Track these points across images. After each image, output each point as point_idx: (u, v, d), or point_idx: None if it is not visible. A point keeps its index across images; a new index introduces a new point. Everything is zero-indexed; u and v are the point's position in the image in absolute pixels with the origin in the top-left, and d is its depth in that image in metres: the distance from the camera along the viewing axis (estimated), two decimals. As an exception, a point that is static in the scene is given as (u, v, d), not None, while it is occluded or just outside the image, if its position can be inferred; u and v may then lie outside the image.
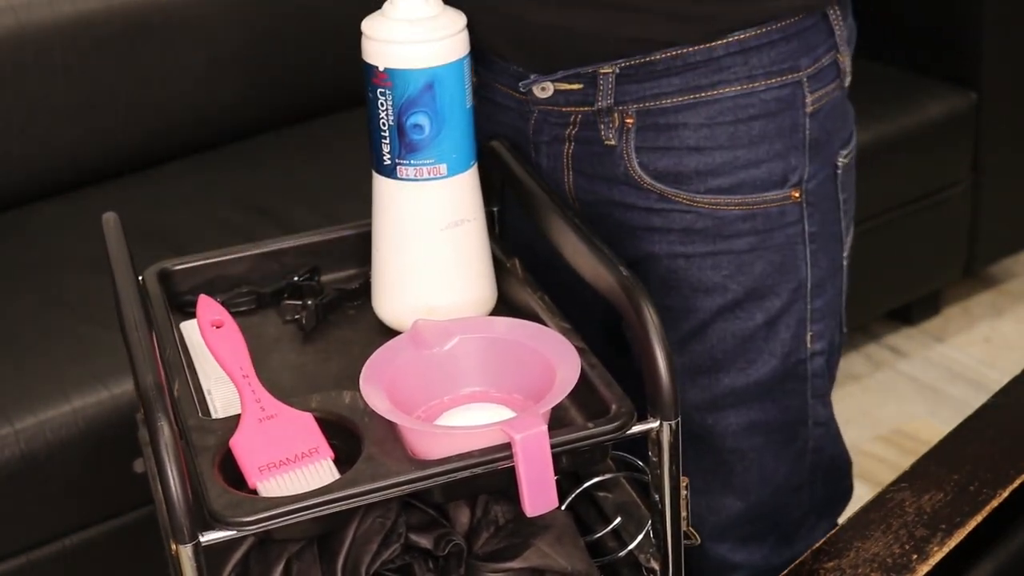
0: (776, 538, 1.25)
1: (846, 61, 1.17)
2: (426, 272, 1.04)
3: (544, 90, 1.12)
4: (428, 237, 1.04)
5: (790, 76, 1.10)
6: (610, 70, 1.08)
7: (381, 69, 0.99)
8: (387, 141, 1.00)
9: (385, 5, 1.00)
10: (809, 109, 1.11)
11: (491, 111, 1.17)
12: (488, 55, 1.14)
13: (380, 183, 1.04)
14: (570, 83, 1.11)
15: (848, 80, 1.18)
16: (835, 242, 1.20)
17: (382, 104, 0.99)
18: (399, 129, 1.00)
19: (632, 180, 1.11)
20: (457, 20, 1.00)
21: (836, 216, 1.19)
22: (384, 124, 1.00)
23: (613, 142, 1.11)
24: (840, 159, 1.17)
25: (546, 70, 1.11)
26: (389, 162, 1.01)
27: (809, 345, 1.18)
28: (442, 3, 1.01)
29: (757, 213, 1.11)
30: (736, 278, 1.12)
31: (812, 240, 1.15)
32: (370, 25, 1.00)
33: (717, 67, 1.08)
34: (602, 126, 1.11)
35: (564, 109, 1.12)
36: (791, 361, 1.17)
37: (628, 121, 1.10)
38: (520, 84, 1.13)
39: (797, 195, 1.12)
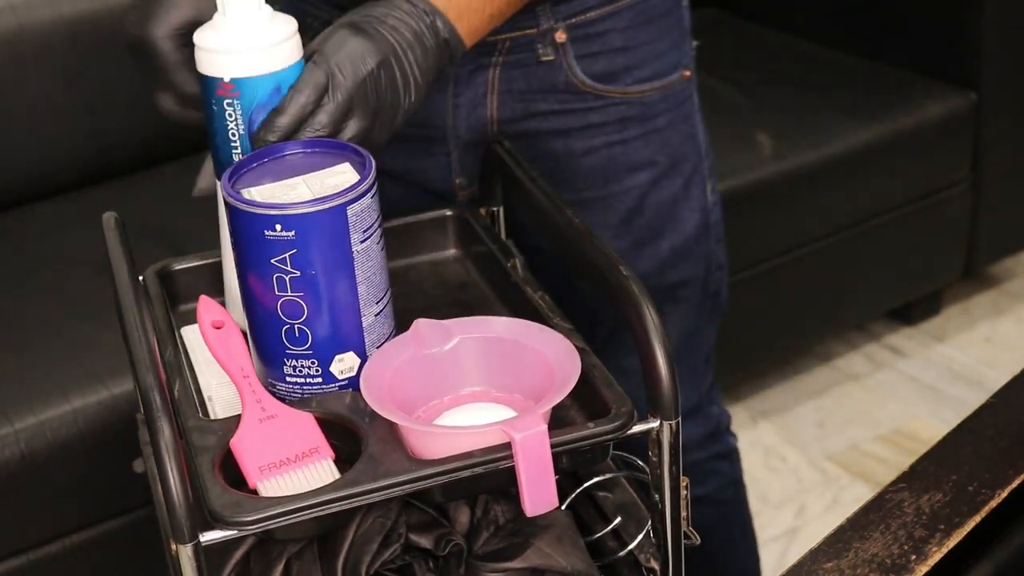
0: (691, 375, 1.42)
1: None
2: None
3: None
4: None
5: None
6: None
7: (227, 80, 0.98)
8: (239, 151, 1.00)
9: (215, 16, 1.00)
10: (685, 3, 1.32)
11: None
12: None
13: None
14: None
15: None
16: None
17: (230, 115, 0.99)
18: (251, 136, 0.99)
19: (572, 87, 1.25)
20: (290, 21, 1.01)
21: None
22: (234, 134, 1.00)
23: (551, 57, 1.23)
24: (693, 41, 1.37)
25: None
26: None
27: (710, 195, 1.37)
28: (270, 7, 1.01)
29: (669, 94, 1.29)
30: (662, 151, 1.30)
31: (699, 108, 1.36)
32: (205, 37, 0.99)
33: None
34: (539, 46, 1.23)
35: (490, 38, 1.20)
36: (705, 213, 1.36)
37: (561, 36, 1.23)
38: None
39: (688, 73, 1.32)
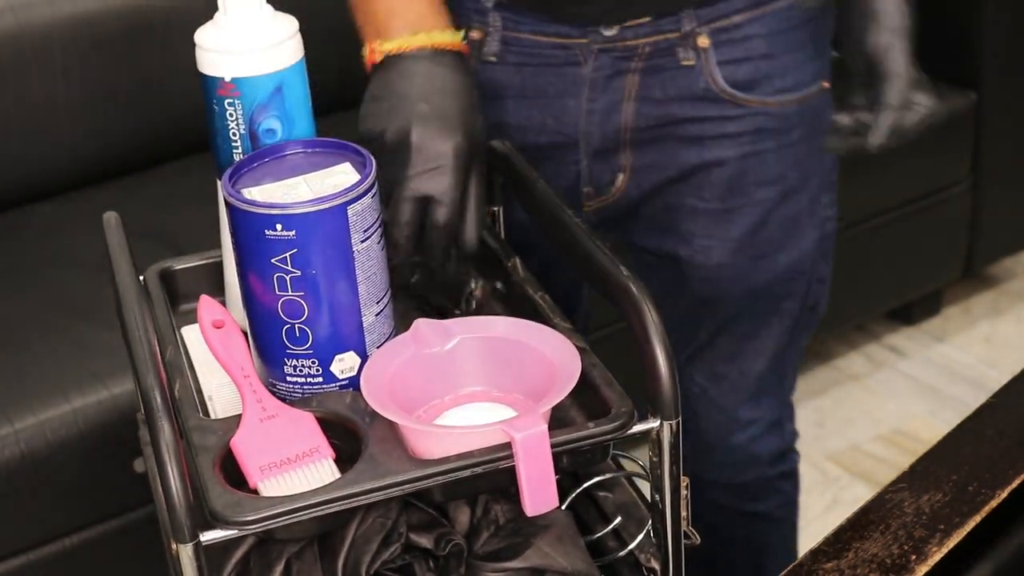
0: (778, 390, 1.43)
1: None
2: None
3: (611, 28, 1.20)
4: None
5: None
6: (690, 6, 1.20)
7: (227, 79, 0.98)
8: (239, 151, 1.00)
9: (216, 15, 1.00)
10: (832, 12, 1.27)
11: (527, 72, 1.24)
12: (537, 14, 1.22)
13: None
14: (637, 18, 1.20)
15: None
16: None
17: (231, 115, 0.99)
18: (251, 136, 1.00)
19: (711, 94, 1.22)
20: (291, 20, 1.01)
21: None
22: (235, 134, 1.00)
23: (692, 62, 1.21)
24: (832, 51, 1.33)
25: (623, 20, 1.20)
26: None
27: (827, 210, 1.35)
28: (271, 7, 1.01)
29: (806, 107, 1.26)
30: (793, 167, 1.27)
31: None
32: (207, 36, 0.99)
33: None
34: (679, 50, 1.21)
35: (630, 43, 1.20)
36: (824, 229, 1.34)
37: (703, 41, 1.21)
38: (587, 27, 1.20)
39: (827, 84, 1.28)
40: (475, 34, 1.24)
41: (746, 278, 1.30)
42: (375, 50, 1.11)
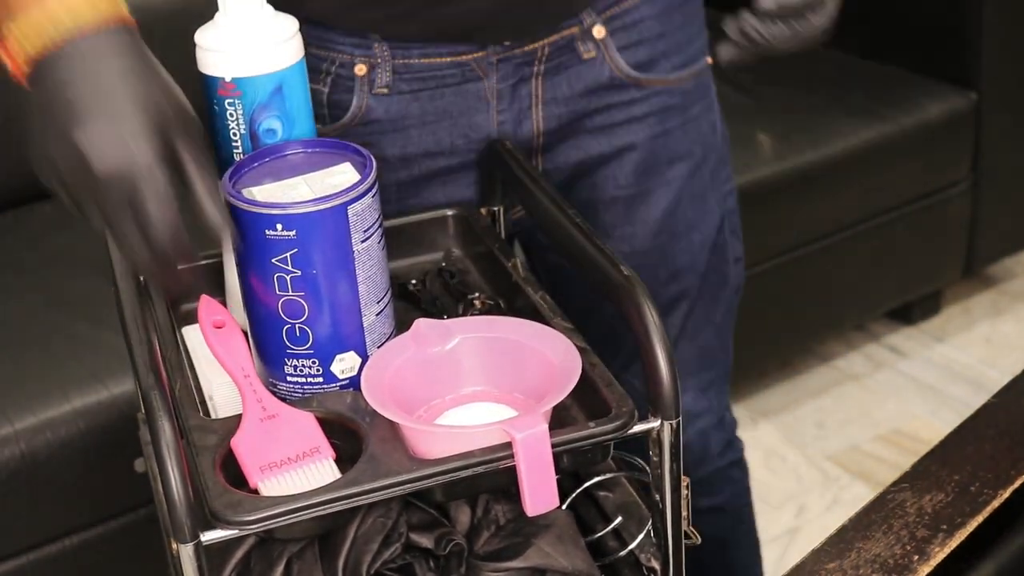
0: (720, 382, 1.41)
1: None
2: None
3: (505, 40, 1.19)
4: None
5: None
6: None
7: (228, 79, 0.98)
8: (239, 150, 1.00)
9: (216, 15, 1.00)
10: None
11: (424, 96, 1.20)
12: (427, 42, 1.18)
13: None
14: (540, 33, 1.20)
15: None
16: None
17: (231, 115, 0.99)
18: (251, 136, 0.99)
19: (616, 80, 1.23)
20: (291, 20, 1.00)
21: None
22: (235, 134, 1.00)
23: (593, 54, 1.21)
24: None
25: (524, 34, 1.19)
26: None
27: (726, 184, 1.35)
28: (271, 7, 1.01)
29: (700, 82, 1.29)
30: (697, 141, 1.29)
31: (716, 93, 1.33)
32: (207, 36, 0.99)
33: None
34: (579, 44, 1.21)
35: (529, 48, 1.19)
36: (725, 204, 1.34)
37: (600, 32, 1.21)
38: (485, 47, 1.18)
39: (711, 60, 1.29)
40: (359, 69, 1.19)
41: (669, 260, 1.29)
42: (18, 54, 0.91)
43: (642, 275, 1.23)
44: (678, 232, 1.29)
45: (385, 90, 1.19)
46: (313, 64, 1.16)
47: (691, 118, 1.28)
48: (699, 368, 1.38)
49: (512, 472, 0.87)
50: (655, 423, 0.91)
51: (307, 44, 1.07)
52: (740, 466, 1.51)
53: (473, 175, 1.23)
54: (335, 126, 1.21)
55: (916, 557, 0.92)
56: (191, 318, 1.11)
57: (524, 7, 1.17)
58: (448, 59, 1.18)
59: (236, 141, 1.00)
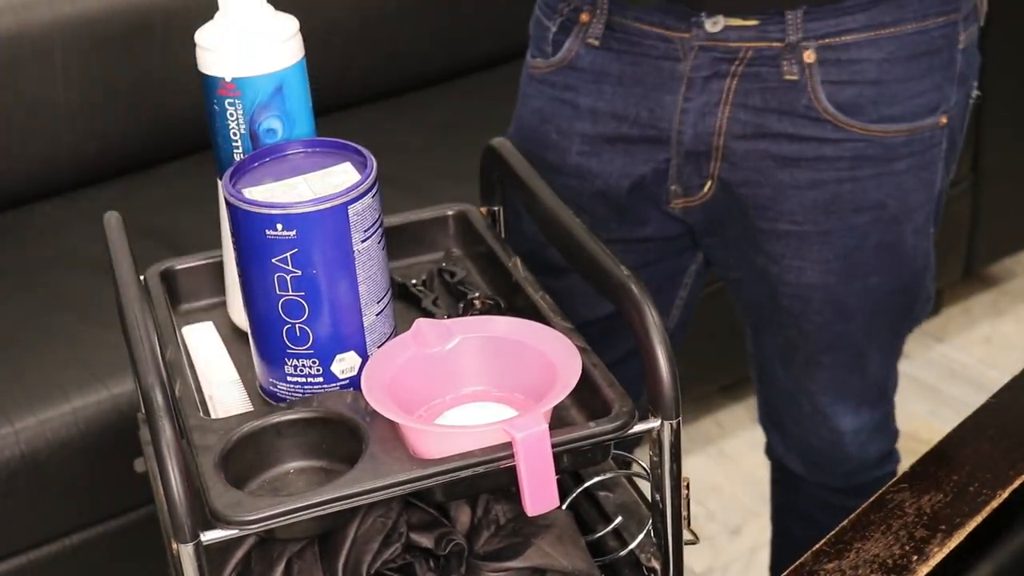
0: (878, 397, 1.44)
1: (983, 2, 1.27)
2: None
3: (715, 24, 1.18)
4: None
5: (952, 16, 1.20)
6: (799, 8, 1.15)
7: (228, 79, 0.98)
8: (240, 150, 1.00)
9: (216, 15, 0.99)
10: (961, 46, 1.22)
11: (626, 59, 1.23)
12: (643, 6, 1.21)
13: None
14: (745, 19, 1.17)
15: (983, 20, 1.28)
16: (957, 156, 1.32)
17: (231, 114, 0.99)
18: (252, 136, 0.99)
19: (812, 112, 1.19)
20: (291, 20, 1.00)
21: (961, 137, 1.30)
22: (235, 134, 1.00)
23: (795, 77, 1.18)
24: (973, 91, 1.29)
25: (729, 10, 1.17)
26: None
27: (932, 234, 1.32)
28: (271, 6, 1.01)
29: (915, 138, 1.21)
30: (894, 195, 1.23)
31: (946, 157, 1.27)
32: (207, 36, 0.99)
33: (898, 4, 1.17)
34: (784, 62, 1.17)
35: (733, 44, 1.18)
36: (928, 257, 1.32)
37: (809, 57, 1.17)
38: (692, 19, 1.18)
39: (945, 121, 1.23)
40: (584, 16, 1.24)
41: (838, 300, 1.28)
42: None
43: (804, 304, 1.27)
44: (855, 276, 1.27)
45: (596, 42, 1.24)
46: (551, 2, 1.26)
47: (891, 171, 1.22)
48: (863, 393, 1.40)
49: (512, 472, 0.87)
50: (655, 423, 0.91)
51: None
52: (894, 475, 1.49)
53: (651, 152, 1.25)
54: (548, 62, 1.28)
55: (915, 557, 0.92)
56: (191, 318, 1.11)
57: None
58: (658, 28, 1.20)
59: (236, 141, 1.00)
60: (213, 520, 0.83)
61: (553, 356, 0.93)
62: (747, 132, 1.21)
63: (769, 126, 1.20)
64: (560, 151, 1.29)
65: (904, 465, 1.04)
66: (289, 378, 0.96)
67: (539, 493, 0.87)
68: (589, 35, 1.24)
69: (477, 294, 1.10)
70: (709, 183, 1.25)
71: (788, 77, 1.18)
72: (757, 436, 2.39)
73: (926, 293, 1.36)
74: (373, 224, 0.94)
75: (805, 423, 1.41)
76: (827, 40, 1.16)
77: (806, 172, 1.21)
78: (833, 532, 0.96)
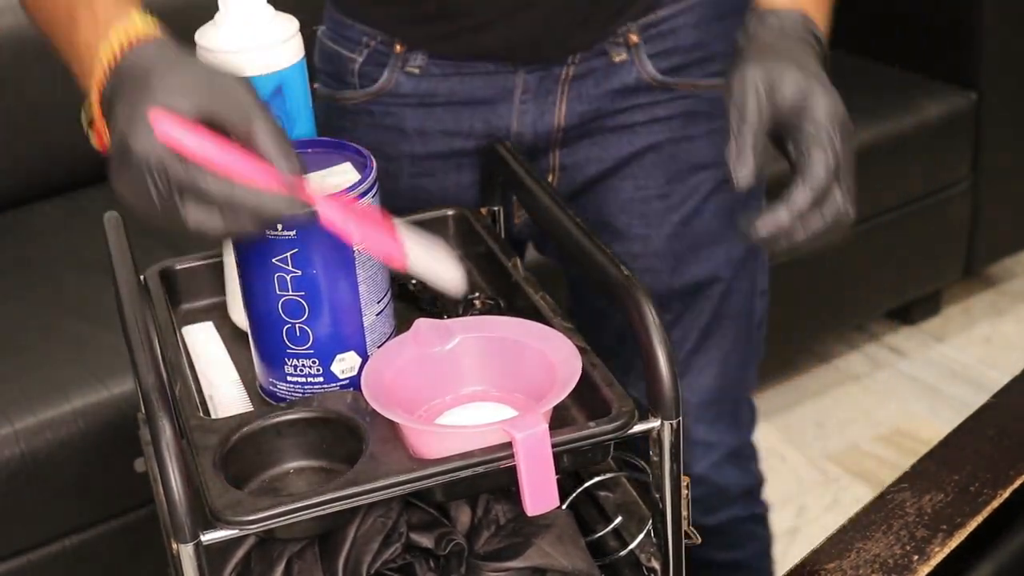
0: (732, 415, 1.38)
1: None
2: None
3: None
4: None
5: None
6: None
7: None
8: None
9: (216, 15, 1.00)
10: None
11: (454, 80, 1.22)
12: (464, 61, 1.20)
13: None
14: (572, 52, 1.20)
15: None
16: None
17: None
18: None
19: (643, 84, 1.22)
20: (291, 20, 1.01)
21: None
22: None
23: (624, 57, 1.21)
24: None
25: (549, 61, 1.19)
26: None
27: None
28: (271, 7, 1.01)
29: None
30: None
31: None
32: (207, 36, 0.99)
33: None
34: (611, 48, 1.21)
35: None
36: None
37: (633, 38, 1.21)
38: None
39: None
40: (398, 47, 1.22)
41: (684, 270, 1.28)
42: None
43: (650, 278, 1.23)
44: (698, 243, 1.27)
45: (417, 71, 1.22)
46: (352, 36, 1.22)
47: (721, 128, 1.23)
48: (710, 396, 1.34)
49: (512, 472, 0.87)
50: (655, 423, 0.91)
51: (351, 17, 1.14)
52: (763, 524, 1.48)
53: (474, 161, 1.24)
54: (362, 93, 1.24)
55: (915, 557, 0.92)
56: (191, 318, 1.11)
57: (563, 31, 1.18)
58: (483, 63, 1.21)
59: None
60: (213, 520, 0.83)
61: (553, 356, 0.93)
62: (584, 119, 1.23)
63: (604, 107, 1.23)
64: (391, 177, 1.26)
65: (904, 465, 1.04)
66: (289, 378, 0.96)
67: (539, 493, 0.87)
68: (409, 64, 1.22)
69: (477, 294, 1.10)
70: (551, 176, 1.26)
71: (617, 59, 1.21)
72: (757, 436, 2.39)
73: (760, 284, 1.34)
74: None
75: None
76: (645, 19, 1.21)
77: (642, 136, 1.24)
78: (834, 532, 0.96)
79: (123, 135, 0.84)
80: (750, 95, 0.96)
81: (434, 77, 1.22)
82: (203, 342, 1.07)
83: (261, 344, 0.97)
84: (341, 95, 1.27)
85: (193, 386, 1.00)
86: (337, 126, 1.28)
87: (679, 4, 1.21)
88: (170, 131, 0.83)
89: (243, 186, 0.82)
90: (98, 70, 0.91)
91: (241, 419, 0.92)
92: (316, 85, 1.29)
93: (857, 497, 2.18)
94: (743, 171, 0.95)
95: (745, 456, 1.42)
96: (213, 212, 0.83)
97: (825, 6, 1.07)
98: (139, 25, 0.91)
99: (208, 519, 0.83)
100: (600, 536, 1.02)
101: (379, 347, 0.97)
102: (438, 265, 0.89)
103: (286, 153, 0.84)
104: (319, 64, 1.30)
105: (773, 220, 0.94)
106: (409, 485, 0.86)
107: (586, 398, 0.94)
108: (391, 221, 0.88)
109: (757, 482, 1.45)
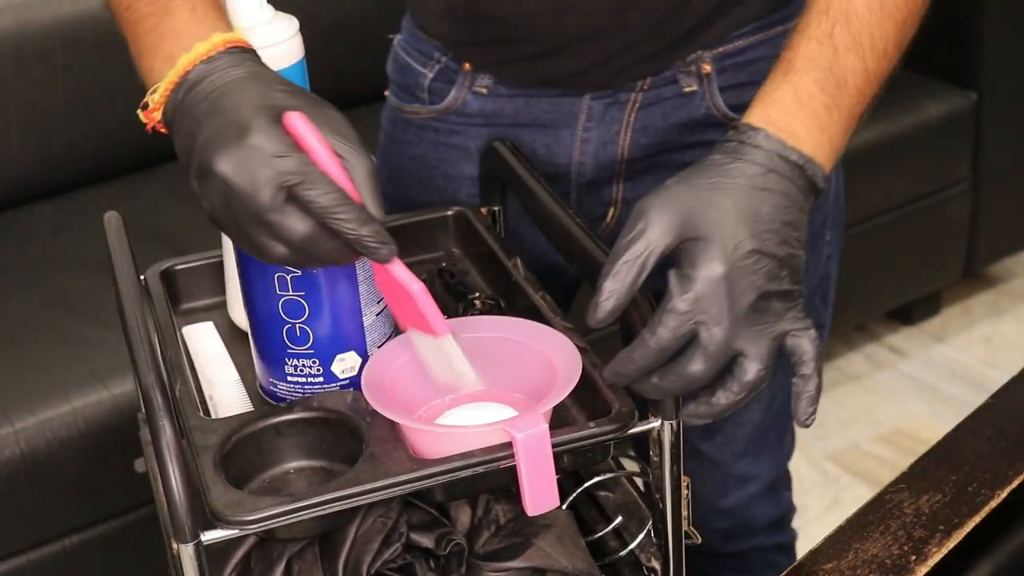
0: (777, 446, 1.35)
1: None
2: None
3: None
4: None
5: None
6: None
7: None
8: None
9: None
10: None
11: (519, 102, 1.20)
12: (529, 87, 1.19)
13: None
14: (641, 78, 1.17)
15: None
16: None
17: None
18: None
19: (712, 119, 1.17)
20: (291, 20, 1.01)
21: None
22: None
23: (694, 88, 1.17)
24: None
25: (617, 85, 1.16)
26: None
27: (828, 248, 1.29)
28: (271, 7, 1.01)
29: None
30: None
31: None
32: None
33: (784, 1, 1.17)
34: (681, 77, 1.16)
35: (631, 76, 1.16)
36: (824, 268, 1.29)
37: (706, 67, 1.16)
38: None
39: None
40: (467, 65, 1.20)
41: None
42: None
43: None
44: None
45: (484, 90, 1.20)
46: (425, 50, 1.22)
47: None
48: (757, 432, 1.31)
49: (512, 472, 0.87)
50: (655, 423, 0.91)
51: (424, 31, 1.14)
52: (787, 553, 1.44)
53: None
54: (429, 109, 1.24)
55: (913, 557, 0.92)
56: (191, 318, 1.11)
57: (629, 60, 1.15)
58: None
59: None
60: (213, 520, 0.83)
61: (553, 356, 0.93)
62: (649, 152, 1.19)
63: (670, 140, 1.19)
64: (448, 195, 1.25)
65: (904, 465, 1.04)
66: (289, 378, 0.96)
67: (539, 493, 0.87)
68: (476, 84, 1.21)
69: (477, 294, 1.10)
70: (612, 210, 1.23)
71: (687, 90, 1.17)
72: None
73: (819, 318, 1.28)
74: None
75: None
76: (721, 48, 1.16)
77: None
78: (831, 532, 0.96)
79: (244, 122, 0.84)
80: (639, 229, 0.88)
81: (500, 98, 1.20)
82: (203, 342, 1.07)
83: (261, 344, 0.97)
84: (410, 108, 1.26)
85: (193, 386, 1.00)
86: (401, 139, 1.27)
87: (759, 35, 1.16)
88: (303, 130, 0.85)
89: (354, 203, 0.83)
90: (191, 56, 0.92)
91: (241, 419, 0.92)
92: (386, 93, 1.30)
93: (857, 497, 2.18)
94: (606, 306, 0.87)
95: (779, 485, 1.39)
96: (308, 221, 0.83)
97: (838, 112, 1.02)
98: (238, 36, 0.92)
99: (208, 519, 0.83)
100: (600, 536, 1.02)
101: (379, 347, 0.97)
102: (458, 363, 0.91)
103: (378, 198, 0.85)
104: (391, 74, 1.30)
105: (619, 363, 0.88)
106: (409, 485, 0.86)
107: (586, 398, 0.95)
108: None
109: (787, 510, 1.42)
